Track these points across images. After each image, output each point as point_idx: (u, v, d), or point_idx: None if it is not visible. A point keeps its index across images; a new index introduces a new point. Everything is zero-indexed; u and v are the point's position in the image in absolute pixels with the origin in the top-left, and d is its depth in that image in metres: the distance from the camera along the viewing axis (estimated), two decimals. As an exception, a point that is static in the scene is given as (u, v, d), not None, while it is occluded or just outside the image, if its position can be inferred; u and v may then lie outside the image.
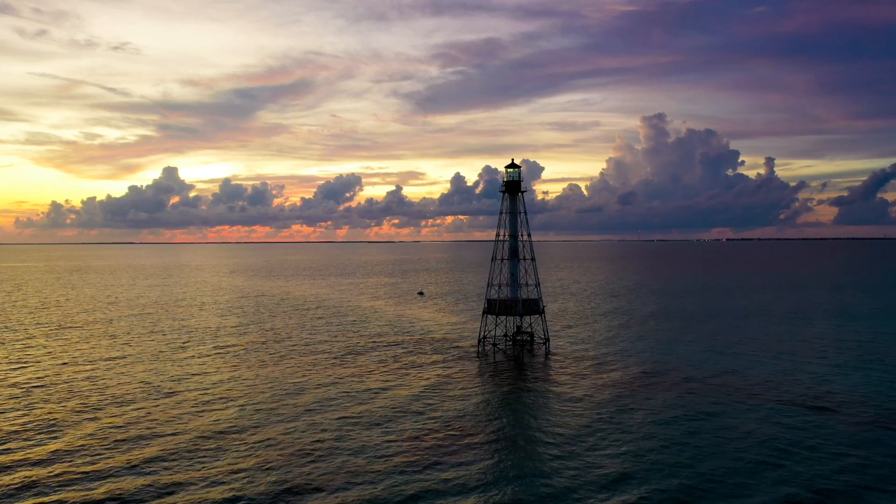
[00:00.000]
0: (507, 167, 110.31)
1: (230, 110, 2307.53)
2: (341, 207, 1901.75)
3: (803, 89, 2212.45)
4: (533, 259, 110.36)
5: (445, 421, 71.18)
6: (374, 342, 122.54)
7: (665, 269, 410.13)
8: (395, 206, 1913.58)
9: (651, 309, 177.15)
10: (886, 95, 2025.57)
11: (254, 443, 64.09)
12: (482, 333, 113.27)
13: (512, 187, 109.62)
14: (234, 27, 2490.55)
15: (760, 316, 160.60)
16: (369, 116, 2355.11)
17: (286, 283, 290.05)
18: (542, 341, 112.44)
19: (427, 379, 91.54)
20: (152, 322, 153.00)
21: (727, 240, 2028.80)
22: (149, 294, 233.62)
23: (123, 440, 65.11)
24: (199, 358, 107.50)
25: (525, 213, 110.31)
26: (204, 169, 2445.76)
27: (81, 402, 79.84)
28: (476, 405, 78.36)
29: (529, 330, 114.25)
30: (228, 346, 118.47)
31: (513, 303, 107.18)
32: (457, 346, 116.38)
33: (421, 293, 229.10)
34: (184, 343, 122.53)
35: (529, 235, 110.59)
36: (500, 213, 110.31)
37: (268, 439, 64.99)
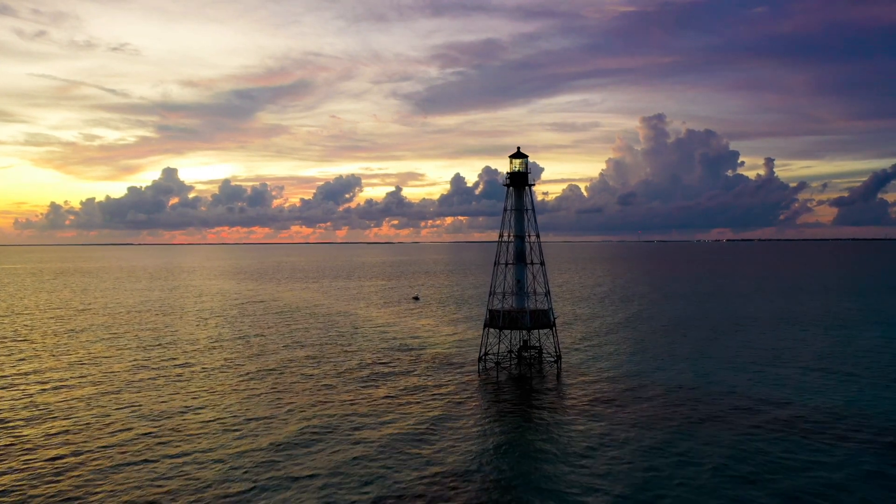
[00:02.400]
0: (512, 157, 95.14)
1: (229, 111, 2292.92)
2: (341, 208, 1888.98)
3: (803, 90, 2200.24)
4: (542, 263, 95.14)
5: (438, 465, 56.09)
6: (361, 359, 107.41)
7: (672, 271, 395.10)
8: (395, 207, 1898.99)
9: (669, 316, 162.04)
10: (886, 96, 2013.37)
11: (205, 491, 49.01)
12: (483, 350, 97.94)
13: (518, 180, 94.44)
14: (234, 28, 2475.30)
15: (790, 324, 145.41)
16: (369, 117, 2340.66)
17: (276, 287, 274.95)
18: (552, 359, 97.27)
19: (417, 408, 76.39)
20: (118, 333, 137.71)
21: (727, 240, 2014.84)
22: (127, 299, 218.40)
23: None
24: (154, 381, 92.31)
25: (533, 209, 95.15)
26: (203, 170, 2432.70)
27: (-10, 442, 64.76)
28: (475, 443, 63.29)
29: (537, 345, 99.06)
30: (193, 366, 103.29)
31: (519, 315, 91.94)
32: (453, 365, 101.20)
33: (416, 298, 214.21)
34: (143, 360, 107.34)
35: (538, 236, 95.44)
36: (504, 210, 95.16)
37: (223, 486, 49.89)
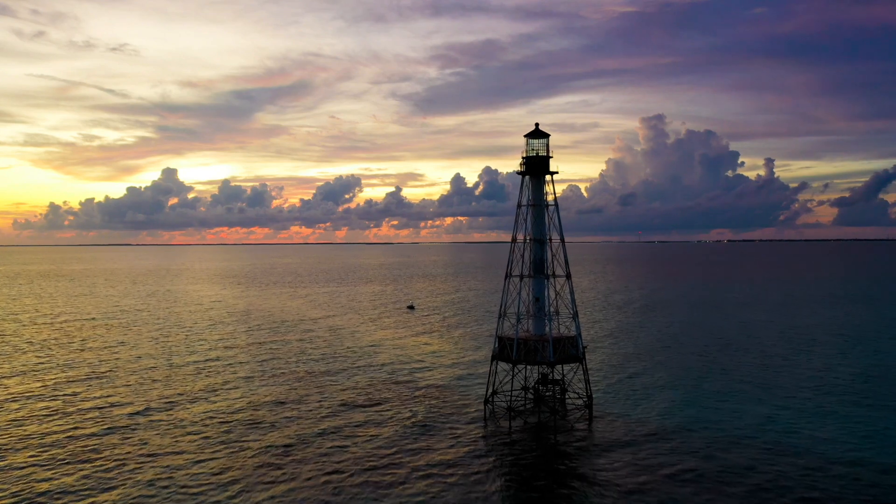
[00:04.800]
0: (530, 136, 72.67)
1: (229, 112, 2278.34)
2: (340, 209, 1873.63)
3: (803, 90, 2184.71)
4: (568, 276, 72.63)
5: None
6: (336, 395, 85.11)
7: (687, 275, 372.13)
8: (395, 207, 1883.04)
9: (704, 331, 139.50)
10: (886, 96, 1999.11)
11: None
12: (491, 389, 75.30)
13: (536, 166, 71.91)
14: (233, 28, 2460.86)
15: (860, 341, 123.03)
16: (368, 118, 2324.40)
17: (261, 294, 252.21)
18: (581, 401, 74.71)
19: (402, 471, 54.07)
20: (52, 355, 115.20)
21: (728, 241, 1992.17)
22: (91, 308, 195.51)
23: None
24: (63, 427, 69.92)
25: (556, 205, 72.74)
26: (203, 170, 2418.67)
27: None
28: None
29: (560, 378, 76.29)
30: (123, 402, 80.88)
31: (538, 344, 69.37)
32: (451, 407, 78.71)
33: (411, 307, 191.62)
34: (62, 394, 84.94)
35: (563, 240, 72.91)
36: (518, 205, 72.71)
37: None
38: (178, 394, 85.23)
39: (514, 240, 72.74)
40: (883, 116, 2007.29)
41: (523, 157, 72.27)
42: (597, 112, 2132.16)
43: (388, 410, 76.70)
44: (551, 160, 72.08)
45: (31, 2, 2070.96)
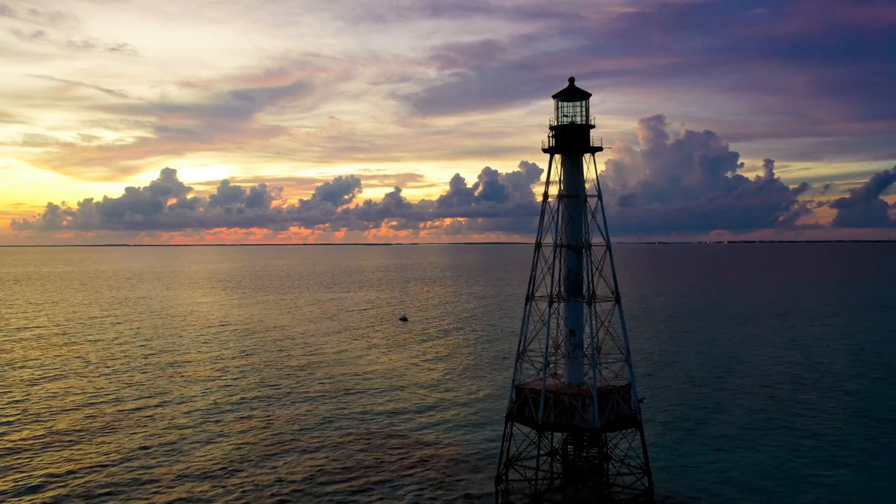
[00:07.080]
0: (560, 97, 50.33)
1: (228, 112, 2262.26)
2: (339, 209, 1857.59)
3: (802, 91, 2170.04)
4: (618, 301, 50.35)
5: None
6: (296, 459, 63.07)
7: (702, 277, 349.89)
8: (394, 207, 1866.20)
9: (764, 353, 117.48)
10: (885, 97, 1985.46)
11: None
12: (504, 459, 52.65)
13: (571, 139, 49.59)
14: (232, 28, 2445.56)
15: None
16: (367, 118, 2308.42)
17: (243, 301, 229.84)
18: (635, 478, 52.23)
19: None
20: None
21: (728, 242, 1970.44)
22: (44, 318, 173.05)
23: None
24: None
25: (599, 196, 50.51)
26: (201, 171, 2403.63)
27: None
28: None
29: (601, 439, 53.81)
30: (19, 476, 58.82)
31: (577, 400, 47.10)
32: (449, 481, 56.47)
33: (404, 318, 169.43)
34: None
35: (609, 247, 50.55)
36: (545, 197, 50.55)
37: None
38: (96, 448, 63.18)
39: (538, 246, 50.56)
40: (882, 117, 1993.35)
41: (551, 128, 50.13)
42: (596, 113, 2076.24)
43: (356, 479, 54.63)
44: (592, 132, 49.96)
45: (30, 2, 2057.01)
